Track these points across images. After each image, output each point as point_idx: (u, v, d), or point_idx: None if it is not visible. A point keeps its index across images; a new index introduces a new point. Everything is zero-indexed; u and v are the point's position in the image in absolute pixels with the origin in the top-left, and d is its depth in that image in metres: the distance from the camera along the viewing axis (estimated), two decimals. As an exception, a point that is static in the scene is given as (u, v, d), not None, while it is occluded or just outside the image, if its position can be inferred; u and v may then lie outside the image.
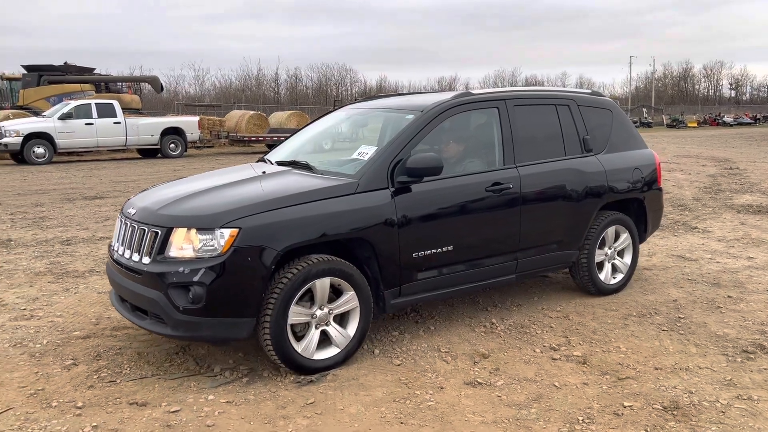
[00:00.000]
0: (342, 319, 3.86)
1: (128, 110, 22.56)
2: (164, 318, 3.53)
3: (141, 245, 3.68)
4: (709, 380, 3.63)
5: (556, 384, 3.61)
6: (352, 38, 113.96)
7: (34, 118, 19.79)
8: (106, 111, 19.74)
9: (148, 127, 20.85)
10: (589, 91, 5.59)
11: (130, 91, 29.95)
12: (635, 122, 44.16)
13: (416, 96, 5.21)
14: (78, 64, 27.13)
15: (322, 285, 3.67)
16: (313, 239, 3.68)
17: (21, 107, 23.73)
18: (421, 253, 4.09)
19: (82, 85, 25.45)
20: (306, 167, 4.40)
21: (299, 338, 3.69)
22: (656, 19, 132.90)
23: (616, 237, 5.25)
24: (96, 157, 21.14)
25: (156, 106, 41.93)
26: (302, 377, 3.66)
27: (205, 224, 3.51)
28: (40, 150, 18.36)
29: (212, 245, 3.46)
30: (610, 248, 5.23)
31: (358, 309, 3.85)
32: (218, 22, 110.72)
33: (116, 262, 3.92)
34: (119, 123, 19.90)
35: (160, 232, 3.58)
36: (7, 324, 4.60)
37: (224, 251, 3.44)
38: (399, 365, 3.88)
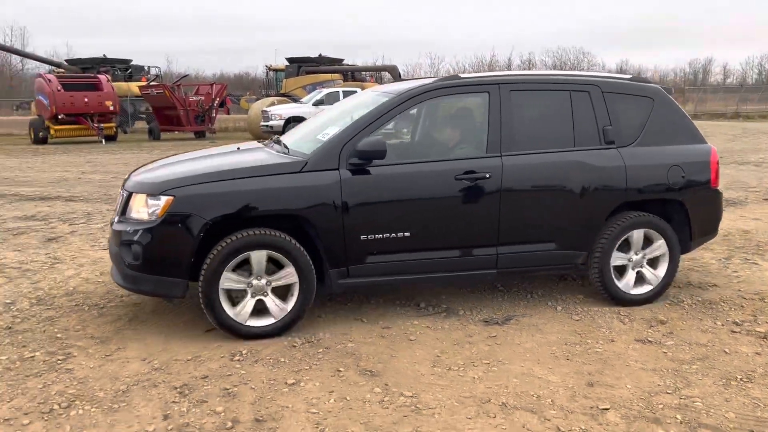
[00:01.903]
0: (284, 293, 4.05)
1: (370, 97, 24.90)
2: (118, 270, 4.15)
3: (117, 208, 4.30)
4: None
5: (726, 350, 3.82)
6: (590, 20, 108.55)
7: (293, 104, 23.00)
8: (351, 97, 22.15)
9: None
10: (628, 77, 4.95)
11: (372, 80, 32.87)
12: None
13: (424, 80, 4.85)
14: (330, 56, 30.56)
15: (257, 256, 3.90)
16: (245, 212, 3.92)
17: (283, 95, 27.60)
18: (370, 237, 4.11)
19: (332, 74, 28.75)
20: (283, 145, 4.59)
21: (236, 304, 3.98)
22: None
23: (648, 242, 4.61)
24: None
25: (394, 93, 44.90)
26: (491, 317, 4.37)
27: (152, 191, 3.97)
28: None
29: (155, 210, 3.91)
30: (637, 253, 4.60)
31: (297, 284, 4.00)
32: (453, 10, 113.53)
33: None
34: (362, 108, 22.19)
35: (125, 196, 4.16)
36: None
37: (160, 216, 3.87)
38: (577, 320, 4.37)
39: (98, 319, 4.34)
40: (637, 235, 4.55)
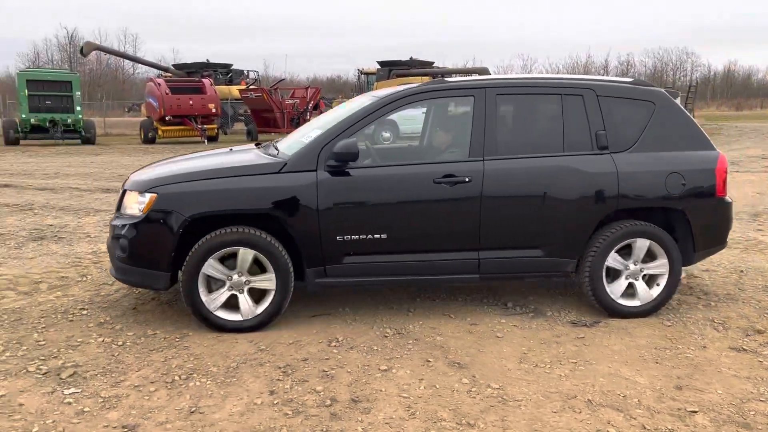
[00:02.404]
0: (260, 296, 4.19)
1: (459, 99, 24.96)
2: (112, 262, 4.41)
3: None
4: None
5: (829, 363, 3.70)
6: (694, 18, 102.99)
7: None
8: (441, 100, 22.31)
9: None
10: (629, 80, 4.77)
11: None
12: None
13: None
14: (420, 59, 30.83)
15: (244, 254, 4.07)
16: (223, 210, 4.09)
17: (375, 97, 28.06)
18: (347, 238, 4.16)
19: (422, 77, 28.98)
20: (274, 147, 4.75)
21: (212, 291, 4.15)
22: None
23: (651, 256, 4.44)
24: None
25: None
26: (580, 319, 4.43)
27: (140, 188, 4.20)
28: (386, 134, 21.81)
29: (141, 207, 4.12)
30: (635, 263, 4.45)
31: (273, 291, 4.13)
32: (548, 10, 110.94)
33: None
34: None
35: (121, 194, 4.43)
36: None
37: (144, 212, 4.09)
38: (669, 326, 4.34)
39: (209, 303, 4.76)
40: (635, 244, 4.39)
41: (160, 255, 4.10)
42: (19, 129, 21.72)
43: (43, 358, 3.74)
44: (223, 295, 4.15)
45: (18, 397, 3.25)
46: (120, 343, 3.98)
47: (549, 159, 4.34)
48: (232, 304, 4.18)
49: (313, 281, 4.26)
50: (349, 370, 3.61)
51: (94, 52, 33.37)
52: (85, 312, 4.52)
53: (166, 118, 22.91)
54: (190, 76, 29.23)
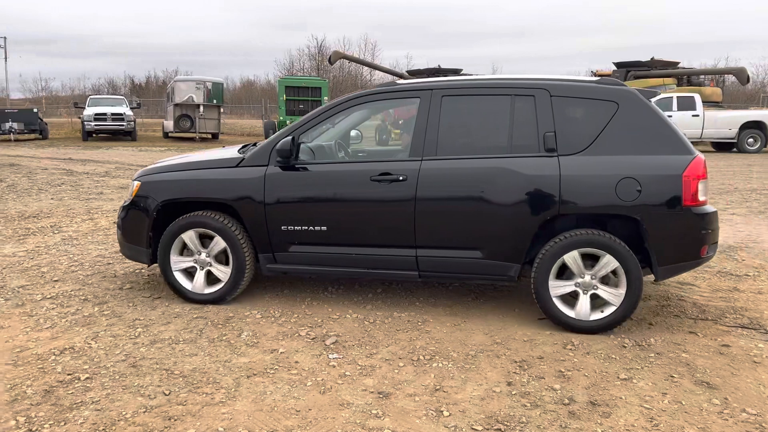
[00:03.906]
0: (225, 259, 4.69)
1: (708, 103, 22.70)
2: (118, 239, 5.08)
3: None
4: None
5: None
6: None
7: (619, 111, 22.18)
8: (686, 104, 20.52)
9: (726, 121, 20.62)
10: (595, 79, 4.41)
11: (712, 84, 29.66)
12: None
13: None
14: (664, 59, 28.52)
15: (189, 235, 4.66)
16: (187, 197, 4.70)
17: (608, 101, 26.67)
18: (290, 228, 4.51)
19: (664, 79, 26.81)
20: (252, 146, 5.04)
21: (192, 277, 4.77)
22: None
23: (599, 264, 4.13)
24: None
25: (737, 99, 39.95)
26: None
27: (134, 178, 4.98)
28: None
29: (131, 193, 4.89)
30: (582, 276, 4.16)
31: (228, 248, 4.61)
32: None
33: None
34: (697, 116, 20.37)
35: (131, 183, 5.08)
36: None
37: (132, 196, 4.86)
38: None
39: (450, 293, 5.08)
40: (577, 256, 4.14)
41: (141, 233, 4.82)
42: (278, 129, 24.83)
43: (310, 326, 4.35)
44: (201, 276, 4.76)
45: (294, 355, 3.84)
46: (371, 320, 4.46)
47: (487, 160, 4.28)
48: (211, 278, 4.79)
49: (265, 266, 4.70)
50: (586, 374, 3.62)
51: (339, 61, 36.67)
52: (340, 291, 5.13)
53: (399, 122, 24.36)
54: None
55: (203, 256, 4.72)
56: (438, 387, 3.45)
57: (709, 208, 4.19)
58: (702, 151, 17.49)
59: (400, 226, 4.37)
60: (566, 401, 3.29)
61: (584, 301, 4.20)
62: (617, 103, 4.22)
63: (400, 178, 4.33)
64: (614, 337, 4.16)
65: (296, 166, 4.54)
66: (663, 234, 4.09)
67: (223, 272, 4.69)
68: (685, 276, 5.60)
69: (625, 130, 4.19)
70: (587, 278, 4.19)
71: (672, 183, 4.06)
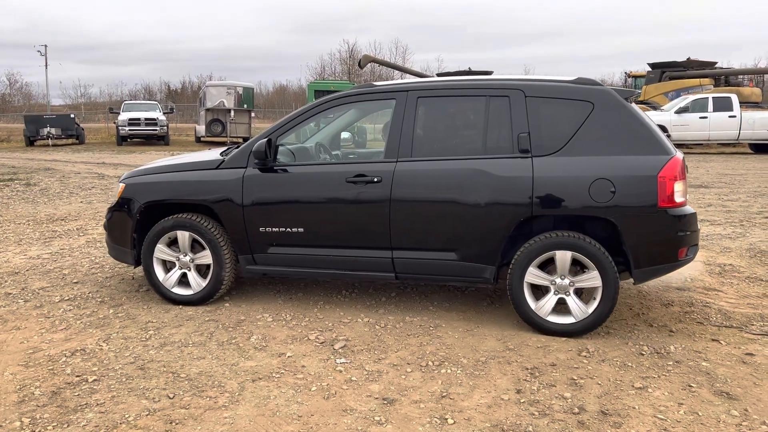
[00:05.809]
0: (206, 272, 4.72)
1: (746, 104, 22.06)
2: (106, 240, 5.12)
3: None
4: None
5: None
6: None
7: (652, 112, 21.72)
8: (722, 105, 19.94)
9: (764, 122, 19.97)
10: (572, 79, 4.29)
11: (751, 84, 28.89)
12: None
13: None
14: (700, 59, 27.85)
15: (181, 236, 4.68)
16: (169, 199, 4.71)
17: (641, 102, 26.20)
18: (267, 229, 4.51)
19: (701, 79, 26.17)
20: (235, 148, 4.98)
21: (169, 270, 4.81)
22: None
23: (583, 269, 4.09)
24: (705, 150, 21.65)
25: (778, 99, 38.69)
26: None
27: (120, 180, 5.00)
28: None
29: (116, 194, 4.93)
30: (561, 277, 4.10)
31: (212, 264, 4.64)
32: None
33: None
34: (734, 117, 19.79)
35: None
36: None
37: (117, 198, 4.89)
38: None
39: (466, 297, 4.99)
40: (561, 256, 4.06)
41: (126, 234, 4.87)
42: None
43: (321, 329, 4.32)
44: (175, 275, 4.80)
45: (301, 360, 3.81)
46: (382, 325, 4.41)
47: (460, 162, 4.25)
48: (183, 281, 4.83)
49: (245, 267, 4.70)
50: (599, 382, 3.50)
51: (369, 64, 36.75)
52: (354, 294, 5.09)
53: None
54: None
55: (187, 259, 4.76)
56: (445, 394, 3.37)
57: (688, 209, 4.09)
58: (739, 153, 17.02)
59: (375, 228, 4.36)
60: (576, 410, 3.18)
61: (551, 300, 4.16)
62: (592, 103, 4.14)
63: (375, 179, 4.32)
64: (632, 345, 4.02)
65: (274, 168, 4.54)
66: (639, 236, 4.01)
67: (196, 282, 4.74)
68: (712, 281, 5.41)
69: (601, 131, 4.11)
70: (566, 281, 4.13)
71: (647, 184, 3.96)
